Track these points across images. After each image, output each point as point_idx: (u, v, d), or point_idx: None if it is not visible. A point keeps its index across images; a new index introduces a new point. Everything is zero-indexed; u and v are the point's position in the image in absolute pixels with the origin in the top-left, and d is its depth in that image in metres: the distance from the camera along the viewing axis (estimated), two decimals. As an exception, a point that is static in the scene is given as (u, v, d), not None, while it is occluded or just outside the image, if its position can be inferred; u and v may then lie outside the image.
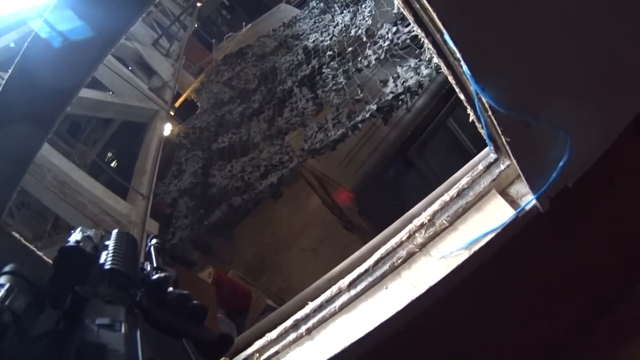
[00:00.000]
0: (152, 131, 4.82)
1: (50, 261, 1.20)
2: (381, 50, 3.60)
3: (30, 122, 1.26)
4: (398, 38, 3.54)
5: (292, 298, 1.60)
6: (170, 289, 0.68)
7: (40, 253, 1.38)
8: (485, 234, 1.22)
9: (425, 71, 3.05)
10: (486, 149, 1.35)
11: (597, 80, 1.11)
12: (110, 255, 0.66)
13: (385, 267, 1.35)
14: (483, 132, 1.22)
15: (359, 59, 3.77)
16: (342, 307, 1.38)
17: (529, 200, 1.21)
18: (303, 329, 1.41)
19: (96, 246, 0.67)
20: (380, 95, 3.22)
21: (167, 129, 5.08)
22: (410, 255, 1.34)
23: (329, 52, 4.28)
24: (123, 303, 0.59)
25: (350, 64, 3.84)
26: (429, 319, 1.30)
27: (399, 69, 3.25)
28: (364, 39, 3.96)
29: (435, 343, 1.43)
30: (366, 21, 4.23)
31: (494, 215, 1.26)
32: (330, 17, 5.13)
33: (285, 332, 1.45)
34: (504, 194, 1.30)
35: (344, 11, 4.95)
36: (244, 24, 7.32)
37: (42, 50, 1.19)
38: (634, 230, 1.48)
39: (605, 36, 1.05)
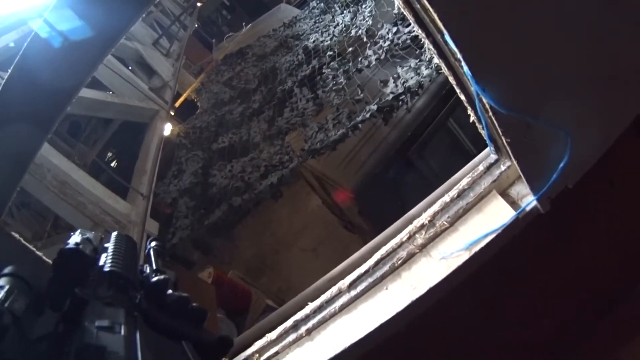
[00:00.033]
0: (152, 131, 4.82)
1: (50, 262, 1.20)
2: (381, 50, 3.59)
3: (30, 122, 1.26)
4: (398, 38, 3.54)
5: (292, 298, 1.60)
6: (170, 291, 0.68)
7: (40, 253, 1.38)
8: (486, 235, 1.22)
9: (425, 71, 3.05)
10: (486, 150, 1.35)
11: (597, 80, 1.10)
12: (110, 257, 0.66)
13: (386, 268, 1.35)
14: (484, 132, 1.21)
15: (359, 59, 3.77)
16: (342, 308, 1.38)
17: (529, 201, 1.21)
18: (303, 329, 1.41)
19: (95, 248, 0.67)
20: (380, 96, 3.21)
21: (167, 128, 5.09)
22: (411, 256, 1.34)
23: (329, 52, 4.28)
24: (122, 305, 0.59)
25: (350, 64, 3.84)
26: (429, 319, 1.30)
27: (399, 69, 3.25)
28: (365, 39, 3.96)
29: (436, 344, 1.43)
30: (366, 21, 4.23)
31: (495, 216, 1.25)
32: (331, 17, 5.12)
33: (285, 333, 1.45)
34: (504, 194, 1.30)
35: (344, 11, 4.94)
36: (244, 24, 7.32)
37: (42, 50, 1.19)
38: (634, 230, 1.48)
39: (605, 36, 1.04)
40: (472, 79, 1.01)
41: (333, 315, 1.39)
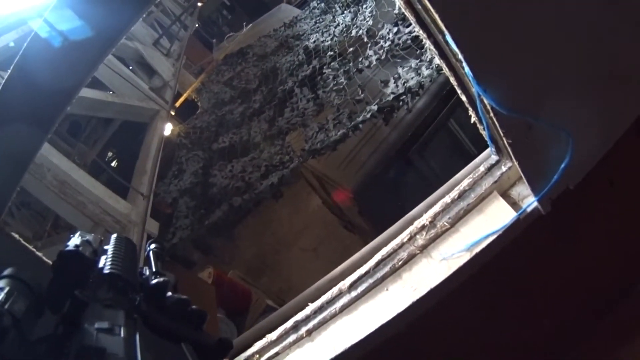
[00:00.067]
0: (153, 131, 4.82)
1: (50, 262, 1.20)
2: (382, 50, 3.59)
3: (30, 122, 1.26)
4: (399, 38, 3.53)
5: (292, 298, 1.60)
6: (169, 293, 0.68)
7: (39, 254, 1.38)
8: (487, 236, 1.22)
9: (426, 72, 3.04)
10: (487, 151, 1.35)
11: (597, 80, 1.10)
12: (109, 259, 0.66)
13: (386, 269, 1.35)
14: (485, 133, 1.21)
15: (360, 59, 3.76)
16: (343, 309, 1.38)
17: (530, 202, 1.21)
18: (303, 330, 1.41)
19: (95, 250, 0.67)
20: (381, 96, 3.21)
21: (168, 128, 5.09)
22: (411, 257, 1.34)
23: (330, 53, 4.28)
24: (122, 307, 0.59)
25: (351, 64, 3.84)
26: (429, 320, 1.30)
27: (399, 70, 3.25)
28: (365, 39, 3.96)
29: (436, 345, 1.43)
30: (367, 21, 4.22)
31: (495, 217, 1.25)
32: (331, 17, 5.12)
33: (286, 334, 1.45)
34: (505, 195, 1.29)
35: (345, 11, 4.94)
36: (244, 24, 7.33)
37: (42, 50, 1.19)
38: (634, 230, 1.48)
39: (605, 36, 1.04)
40: (474, 80, 1.00)
41: (333, 316, 1.39)
